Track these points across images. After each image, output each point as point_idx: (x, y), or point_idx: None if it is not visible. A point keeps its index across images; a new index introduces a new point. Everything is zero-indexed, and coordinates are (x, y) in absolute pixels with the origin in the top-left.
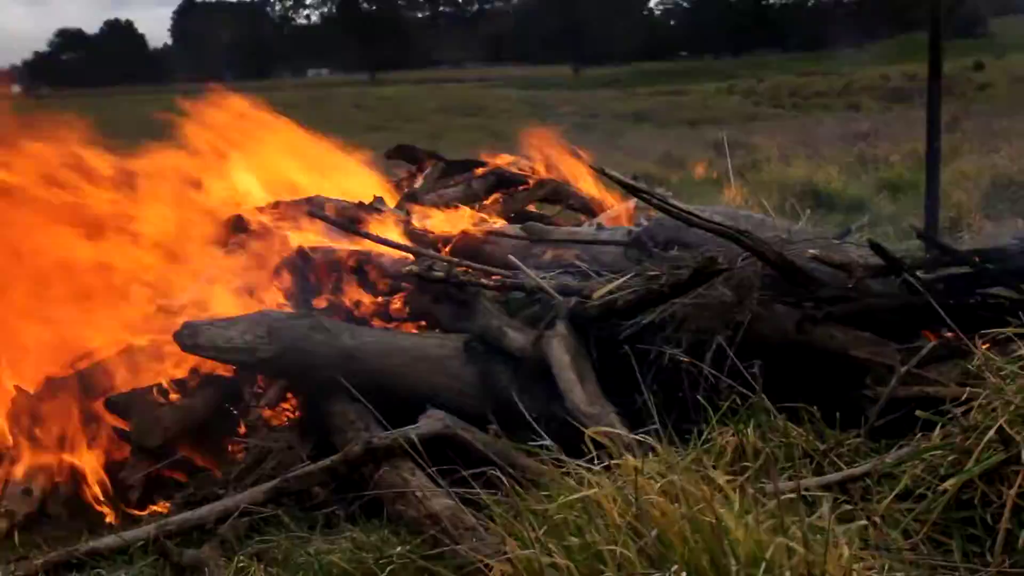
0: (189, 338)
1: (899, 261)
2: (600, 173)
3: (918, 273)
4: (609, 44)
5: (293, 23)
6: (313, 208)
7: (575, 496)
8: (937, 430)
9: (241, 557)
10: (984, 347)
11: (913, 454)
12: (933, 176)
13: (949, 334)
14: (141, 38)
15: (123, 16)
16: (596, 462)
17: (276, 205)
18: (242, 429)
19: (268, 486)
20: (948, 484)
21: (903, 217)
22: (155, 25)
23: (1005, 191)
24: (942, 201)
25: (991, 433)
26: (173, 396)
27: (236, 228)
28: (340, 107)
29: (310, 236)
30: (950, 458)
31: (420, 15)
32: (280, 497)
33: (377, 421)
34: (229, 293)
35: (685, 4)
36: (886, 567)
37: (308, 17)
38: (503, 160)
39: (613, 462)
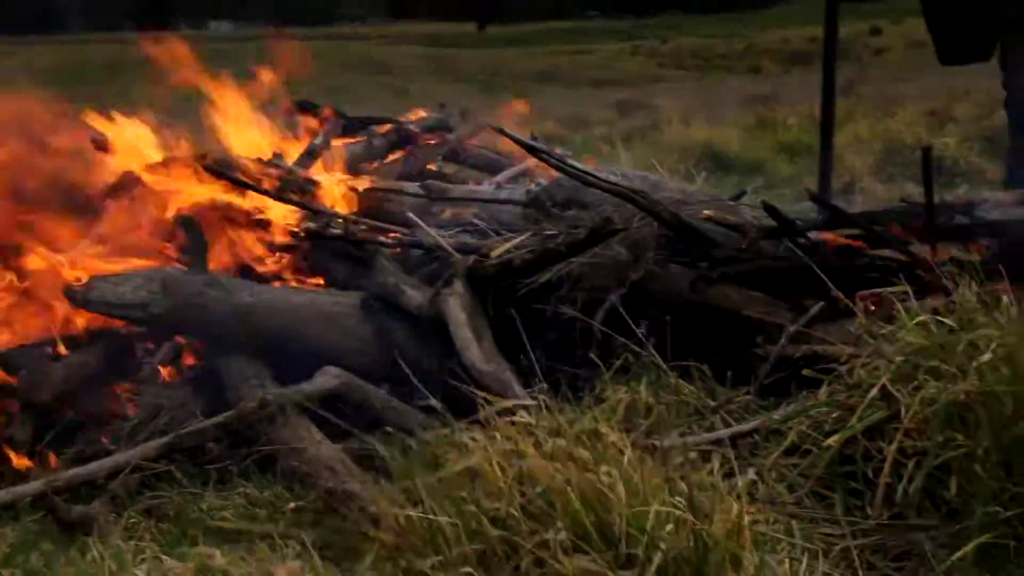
0: (80, 294)
1: (791, 223)
2: (499, 132)
3: (810, 235)
4: (515, 1)
5: None
6: (208, 163)
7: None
8: (823, 388)
9: (132, 513)
10: (871, 307)
11: (800, 411)
12: (827, 139)
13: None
14: None
15: None
16: (489, 420)
17: (168, 161)
18: (135, 385)
19: (160, 442)
20: (832, 440)
21: (800, 180)
22: None
23: (898, 155)
24: (836, 164)
25: (874, 391)
26: (64, 352)
27: (127, 184)
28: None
29: (205, 192)
30: (835, 415)
31: None
32: (172, 453)
33: (273, 378)
34: (118, 251)
35: None
36: (772, 520)
37: None
38: (405, 117)
39: (503, 420)
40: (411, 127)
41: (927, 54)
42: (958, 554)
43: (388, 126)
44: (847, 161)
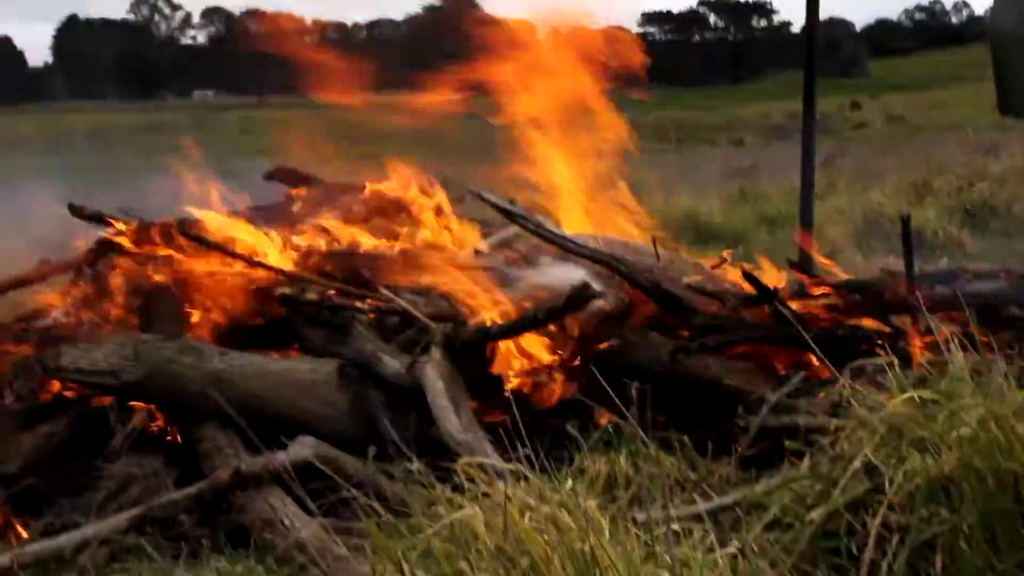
0: (52, 360)
1: (771, 291)
2: (478, 197)
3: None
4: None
5: (179, 43)
6: (185, 228)
7: (443, 523)
8: (805, 460)
9: None
10: (851, 378)
11: (781, 484)
12: (807, 209)
13: (818, 364)
14: (20, 55)
15: None
16: (467, 489)
17: (146, 226)
18: (105, 455)
19: (131, 514)
20: (815, 514)
21: (781, 251)
22: (33, 42)
23: (879, 228)
24: (817, 236)
25: (856, 463)
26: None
27: (103, 251)
28: (227, 130)
29: (181, 257)
30: (817, 488)
31: (308, 39)
32: (143, 525)
33: (246, 447)
34: (96, 318)
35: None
36: None
37: (194, 38)
38: (385, 184)
39: (484, 490)
40: (391, 194)
41: (905, 129)
42: None
43: (368, 192)
44: (828, 233)
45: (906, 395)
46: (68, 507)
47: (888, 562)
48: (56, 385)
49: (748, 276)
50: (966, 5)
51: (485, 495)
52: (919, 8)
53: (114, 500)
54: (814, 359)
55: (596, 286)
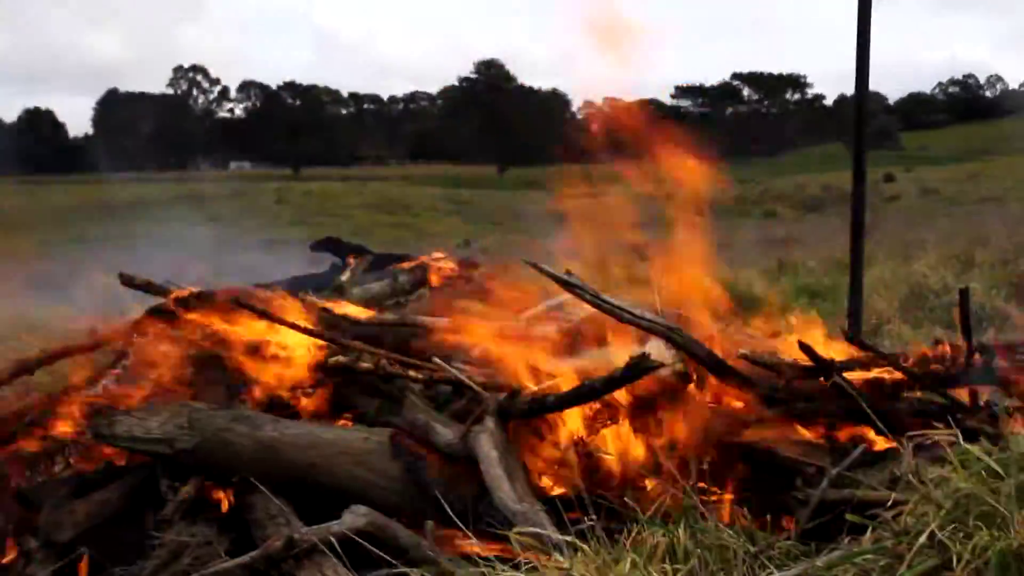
0: (106, 428)
1: (828, 362)
2: (532, 267)
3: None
4: (533, 145)
5: (216, 116)
6: (238, 298)
7: None
8: (868, 534)
9: None
10: (912, 452)
11: (845, 558)
12: (857, 279)
13: (878, 437)
14: (61, 127)
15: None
16: (523, 564)
17: (199, 295)
18: (158, 523)
19: None
20: None
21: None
22: (73, 114)
23: (923, 299)
24: (862, 307)
25: (923, 539)
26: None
27: (157, 317)
28: (263, 201)
29: (235, 326)
30: (882, 563)
31: (344, 111)
32: None
33: (299, 515)
34: (146, 385)
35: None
36: None
37: (232, 111)
38: (431, 255)
39: (542, 563)
40: (436, 264)
41: (939, 201)
42: None
43: (412, 263)
44: (873, 304)
45: (971, 470)
46: None
47: None
48: (107, 454)
49: (804, 347)
50: (1000, 79)
51: (538, 569)
52: (953, 82)
53: (166, 569)
54: (871, 432)
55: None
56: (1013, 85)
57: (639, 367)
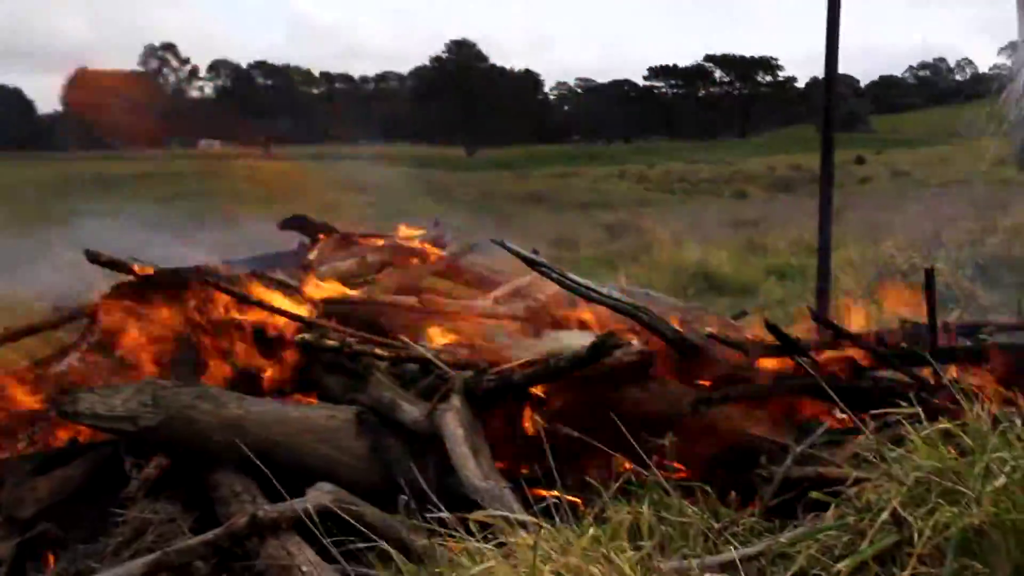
0: (70, 405)
1: (795, 342)
2: (500, 246)
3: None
4: (503, 127)
5: (186, 94)
6: (204, 276)
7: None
8: (831, 511)
9: None
10: (875, 430)
11: (807, 534)
12: (825, 260)
13: (843, 415)
14: (30, 104)
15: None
16: (490, 538)
17: (165, 273)
18: (121, 500)
19: (146, 559)
20: (842, 565)
21: (792, 302)
22: (42, 92)
23: (891, 280)
24: (830, 288)
25: (884, 515)
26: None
27: (123, 295)
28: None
29: (194, 304)
30: (844, 539)
31: (315, 91)
32: (158, 571)
33: (264, 493)
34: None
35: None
36: None
37: (202, 89)
38: (399, 234)
39: (508, 540)
40: (404, 243)
41: (910, 183)
42: None
43: (381, 242)
44: (841, 284)
45: (934, 447)
46: (83, 553)
47: None
48: (71, 430)
49: (771, 327)
50: (970, 63)
51: (506, 544)
52: (923, 65)
53: (129, 546)
54: (837, 410)
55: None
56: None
57: (605, 346)
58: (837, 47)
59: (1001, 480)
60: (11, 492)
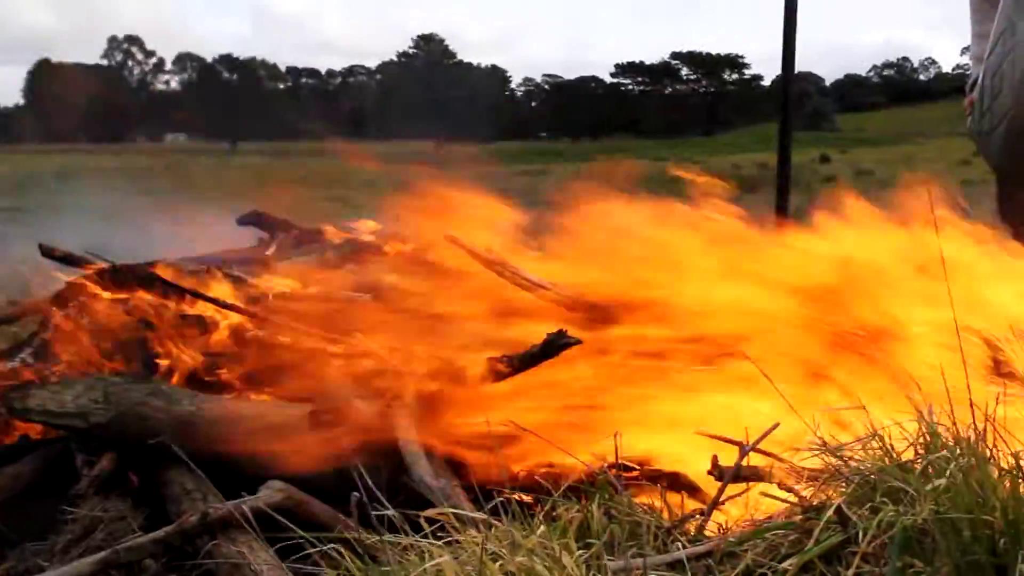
0: (19, 401)
1: None
2: (452, 243)
3: None
4: (471, 121)
5: (151, 88)
6: (151, 272)
7: (416, 572)
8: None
9: None
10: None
11: (755, 533)
12: None
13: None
14: None
15: None
16: (441, 537)
17: (116, 269)
18: (71, 498)
19: (96, 558)
20: (788, 564)
21: None
22: (3, 84)
23: None
24: None
25: (829, 513)
26: None
27: (73, 293)
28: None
29: (148, 300)
30: (791, 538)
31: (282, 86)
32: (108, 570)
33: (215, 491)
34: (64, 359)
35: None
36: None
37: (167, 83)
38: (359, 229)
39: (457, 538)
40: (366, 238)
41: (874, 183)
42: None
43: (343, 236)
44: None
45: (878, 446)
46: (32, 551)
47: None
48: (22, 427)
49: None
50: (934, 62)
51: (458, 542)
52: (887, 64)
53: (79, 544)
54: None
55: None
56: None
57: (556, 343)
58: (794, 45)
59: (942, 480)
60: None
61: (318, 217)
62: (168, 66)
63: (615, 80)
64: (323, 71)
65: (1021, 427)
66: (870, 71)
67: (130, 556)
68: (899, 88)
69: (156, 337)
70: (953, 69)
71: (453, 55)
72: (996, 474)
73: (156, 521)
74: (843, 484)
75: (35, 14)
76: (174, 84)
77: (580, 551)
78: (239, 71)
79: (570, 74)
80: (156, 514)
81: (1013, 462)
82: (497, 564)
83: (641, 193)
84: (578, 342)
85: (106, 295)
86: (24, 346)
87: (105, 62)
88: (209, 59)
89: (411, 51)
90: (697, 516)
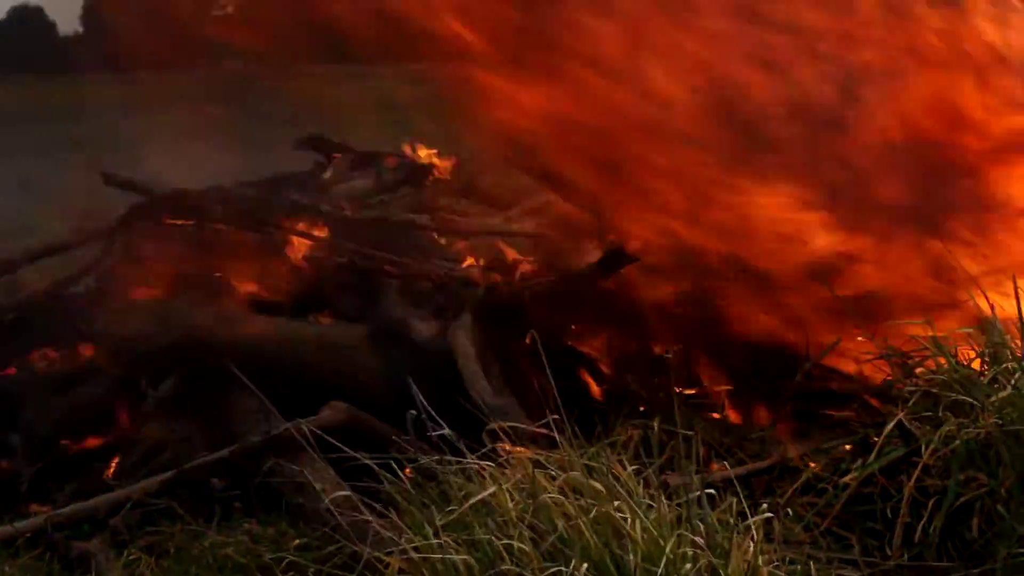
0: (86, 325)
1: None
2: (508, 164)
3: None
4: None
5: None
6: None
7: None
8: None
9: (132, 549)
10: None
11: (816, 448)
12: None
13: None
14: (52, 25)
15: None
16: (498, 455)
17: (179, 194)
18: (138, 419)
19: (162, 477)
20: (849, 478)
21: None
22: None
23: None
24: None
25: (890, 427)
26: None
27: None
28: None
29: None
30: (853, 452)
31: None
32: (175, 488)
33: (278, 412)
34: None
35: None
36: (788, 560)
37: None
38: (416, 152)
39: (513, 456)
40: (421, 161)
41: None
42: None
43: (397, 160)
44: None
45: (942, 360)
46: (100, 471)
47: (923, 526)
48: (89, 351)
49: None
50: None
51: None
52: None
53: (146, 464)
54: None
55: None
56: None
57: (616, 258)
58: None
59: (1007, 391)
60: (32, 411)
61: (376, 141)
62: None
63: None
64: None
65: None
66: None
67: (195, 475)
68: None
69: (219, 261)
70: None
71: None
72: None
73: (221, 442)
74: (906, 396)
75: None
76: (230, 8)
77: (636, 466)
78: None
79: None
80: (220, 435)
81: None
82: (555, 481)
83: None
84: (638, 259)
85: (168, 221)
86: (91, 271)
87: None
88: None
89: None
90: (759, 431)
